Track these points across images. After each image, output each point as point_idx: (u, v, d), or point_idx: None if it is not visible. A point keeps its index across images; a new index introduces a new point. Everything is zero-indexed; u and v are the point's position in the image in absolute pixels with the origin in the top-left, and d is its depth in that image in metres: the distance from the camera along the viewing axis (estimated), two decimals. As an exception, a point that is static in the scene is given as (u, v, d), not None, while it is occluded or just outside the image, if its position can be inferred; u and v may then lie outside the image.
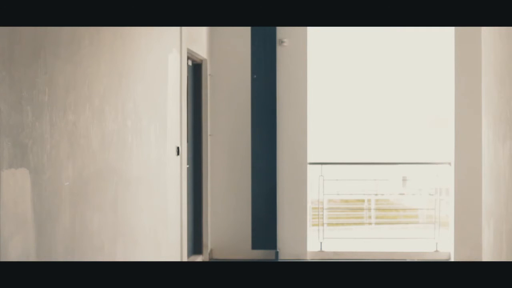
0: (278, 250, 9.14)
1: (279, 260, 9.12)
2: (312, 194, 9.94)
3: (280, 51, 9.21)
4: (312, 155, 9.51)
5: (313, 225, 10.12)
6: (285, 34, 9.19)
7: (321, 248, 9.41)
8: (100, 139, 5.24)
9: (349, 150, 21.69)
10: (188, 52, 8.15)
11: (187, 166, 8.13)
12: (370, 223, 13.57)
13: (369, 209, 13.81)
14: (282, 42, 9.19)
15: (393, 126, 23.76)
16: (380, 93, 23.65)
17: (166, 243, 7.01)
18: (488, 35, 6.62)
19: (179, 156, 7.49)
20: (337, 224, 13.47)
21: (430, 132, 22.15)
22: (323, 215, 10.00)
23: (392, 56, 22.31)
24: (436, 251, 9.34)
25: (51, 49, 4.40)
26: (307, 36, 9.25)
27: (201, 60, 9.04)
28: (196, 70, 9.04)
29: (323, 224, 9.75)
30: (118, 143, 5.63)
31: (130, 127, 5.90)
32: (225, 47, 9.24)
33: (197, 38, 8.62)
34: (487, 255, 6.60)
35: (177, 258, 7.43)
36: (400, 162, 17.99)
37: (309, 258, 9.26)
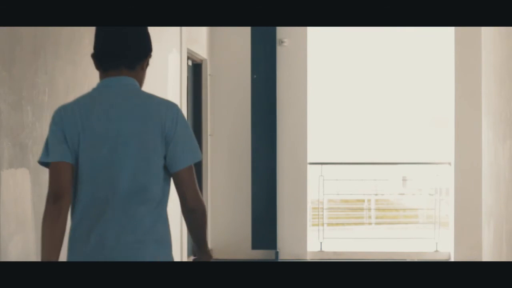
0: (278, 250, 9.14)
1: (279, 260, 9.13)
2: (312, 194, 9.94)
3: (280, 51, 9.21)
4: (312, 155, 9.51)
5: (313, 225, 10.11)
6: (285, 34, 9.19)
7: (321, 248, 9.41)
8: (100, 139, 5.23)
9: (349, 150, 21.69)
10: (188, 52, 8.15)
11: (187, 166, 8.11)
12: (370, 223, 13.57)
13: (369, 209, 13.81)
14: (282, 42, 9.19)
15: (393, 126, 23.77)
16: (380, 93, 23.65)
17: (166, 243, 6.99)
18: (488, 35, 6.62)
19: (179, 156, 7.48)
20: (337, 224, 13.47)
21: (430, 132, 22.15)
22: (323, 215, 10.00)
23: (392, 56, 22.31)
24: (436, 251, 9.34)
25: (51, 49, 4.40)
26: (307, 36, 9.24)
27: (201, 60, 9.04)
28: (196, 70, 9.04)
29: (323, 224, 9.75)
30: (118, 143, 5.62)
31: (130, 127, 5.89)
32: (225, 47, 9.24)
33: (197, 38, 8.62)
34: (487, 255, 6.60)
35: (177, 258, 7.43)
36: (400, 162, 18.00)
37: (309, 258, 9.26)
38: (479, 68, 7.46)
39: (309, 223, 9.50)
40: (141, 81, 3.01)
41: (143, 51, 2.99)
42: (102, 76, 3.01)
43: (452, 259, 9.06)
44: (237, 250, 9.14)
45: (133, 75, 2.98)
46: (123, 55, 2.94)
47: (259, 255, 9.14)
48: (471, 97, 8.72)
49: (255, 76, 9.17)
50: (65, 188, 2.78)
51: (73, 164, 2.82)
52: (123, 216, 2.78)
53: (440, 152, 11.50)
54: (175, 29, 7.47)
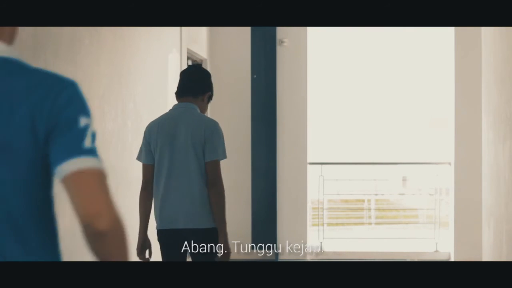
0: (278, 250, 9.14)
1: (279, 260, 9.13)
2: (312, 194, 9.94)
3: (280, 51, 9.21)
4: (312, 155, 9.51)
5: (313, 225, 10.12)
6: (285, 34, 9.19)
7: (321, 248, 9.41)
8: (100, 139, 5.23)
9: (349, 150, 21.69)
10: (188, 52, 8.15)
11: (187, 166, 8.13)
12: (370, 223, 13.57)
13: (369, 209, 13.81)
14: (282, 42, 9.18)
15: (393, 126, 23.77)
16: (380, 93, 23.65)
17: (166, 243, 6.99)
18: (488, 35, 6.63)
19: (179, 156, 7.49)
20: (337, 224, 13.48)
21: (430, 132, 22.15)
22: (323, 215, 10.00)
23: (392, 57, 22.31)
24: (436, 251, 9.33)
25: (51, 49, 4.40)
26: (307, 36, 9.24)
27: (201, 60, 9.04)
28: (196, 70, 9.03)
29: (323, 224, 9.75)
30: (118, 143, 5.63)
31: (130, 127, 5.91)
32: (225, 47, 9.24)
33: (197, 38, 8.62)
34: (487, 255, 6.60)
35: (177, 258, 7.41)
36: (400, 162, 18.01)
37: (309, 258, 9.26)
38: (479, 68, 7.46)
39: (309, 223, 9.50)
40: (201, 108, 4.47)
41: (204, 88, 4.50)
42: (178, 101, 4.50)
43: (452, 259, 9.06)
44: (237, 250, 9.14)
45: (195, 102, 4.44)
46: (190, 89, 4.46)
47: (259, 255, 9.14)
48: (471, 97, 8.71)
49: (255, 76, 9.17)
50: (150, 180, 4.41)
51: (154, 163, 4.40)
52: (180, 193, 4.29)
53: (440, 152, 11.50)
54: (175, 29, 7.47)
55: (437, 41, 12.31)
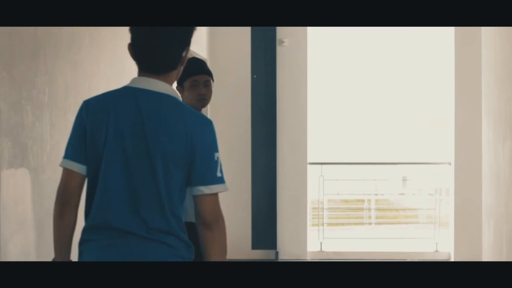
0: (278, 250, 9.14)
1: (279, 260, 9.13)
2: (312, 194, 9.94)
3: (280, 51, 9.21)
4: (312, 155, 9.51)
5: (313, 225, 10.11)
6: (285, 34, 9.18)
7: (321, 248, 9.41)
8: (100, 139, 5.23)
9: (349, 150, 21.70)
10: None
11: (187, 166, 8.14)
12: (370, 223, 13.57)
13: (369, 209, 13.81)
14: (282, 42, 9.18)
15: (393, 126, 23.78)
16: (380, 93, 23.67)
17: (166, 243, 6.99)
18: (488, 35, 6.63)
19: (179, 156, 7.49)
20: (337, 224, 13.48)
21: (430, 132, 22.16)
22: (323, 215, 9.99)
23: (392, 56, 22.32)
24: (436, 251, 9.33)
25: (51, 49, 4.40)
26: (307, 36, 9.24)
27: (201, 60, 9.03)
28: (196, 70, 9.03)
29: (323, 224, 9.74)
30: (118, 143, 5.61)
31: (130, 127, 5.89)
32: (225, 47, 9.23)
33: (197, 38, 8.61)
34: (487, 255, 6.60)
35: (177, 258, 7.41)
36: (400, 162, 18.00)
37: (309, 258, 9.26)
38: (479, 68, 7.46)
39: (309, 223, 9.49)
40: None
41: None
42: None
43: (452, 259, 9.06)
44: (237, 250, 9.14)
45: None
46: None
47: (259, 255, 9.14)
48: (471, 97, 8.71)
49: (255, 76, 9.17)
50: None
51: None
52: None
53: (440, 152, 11.50)
54: (175, 29, 7.45)
55: (437, 41, 12.31)
